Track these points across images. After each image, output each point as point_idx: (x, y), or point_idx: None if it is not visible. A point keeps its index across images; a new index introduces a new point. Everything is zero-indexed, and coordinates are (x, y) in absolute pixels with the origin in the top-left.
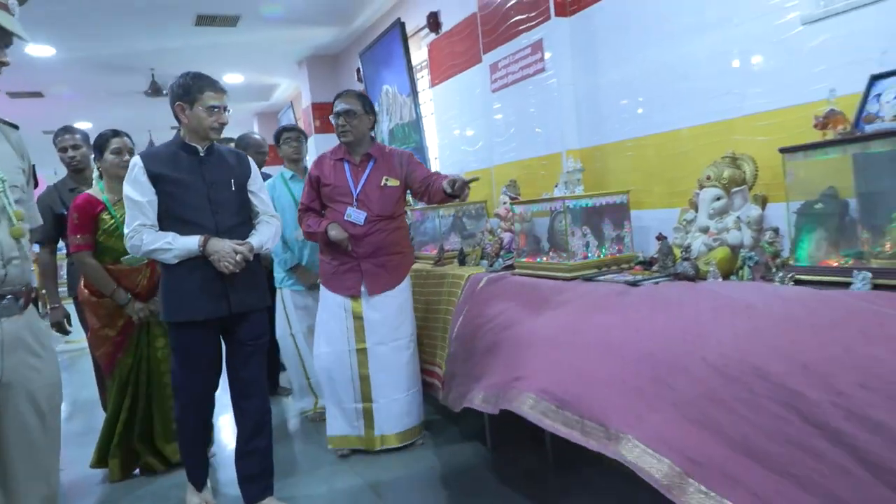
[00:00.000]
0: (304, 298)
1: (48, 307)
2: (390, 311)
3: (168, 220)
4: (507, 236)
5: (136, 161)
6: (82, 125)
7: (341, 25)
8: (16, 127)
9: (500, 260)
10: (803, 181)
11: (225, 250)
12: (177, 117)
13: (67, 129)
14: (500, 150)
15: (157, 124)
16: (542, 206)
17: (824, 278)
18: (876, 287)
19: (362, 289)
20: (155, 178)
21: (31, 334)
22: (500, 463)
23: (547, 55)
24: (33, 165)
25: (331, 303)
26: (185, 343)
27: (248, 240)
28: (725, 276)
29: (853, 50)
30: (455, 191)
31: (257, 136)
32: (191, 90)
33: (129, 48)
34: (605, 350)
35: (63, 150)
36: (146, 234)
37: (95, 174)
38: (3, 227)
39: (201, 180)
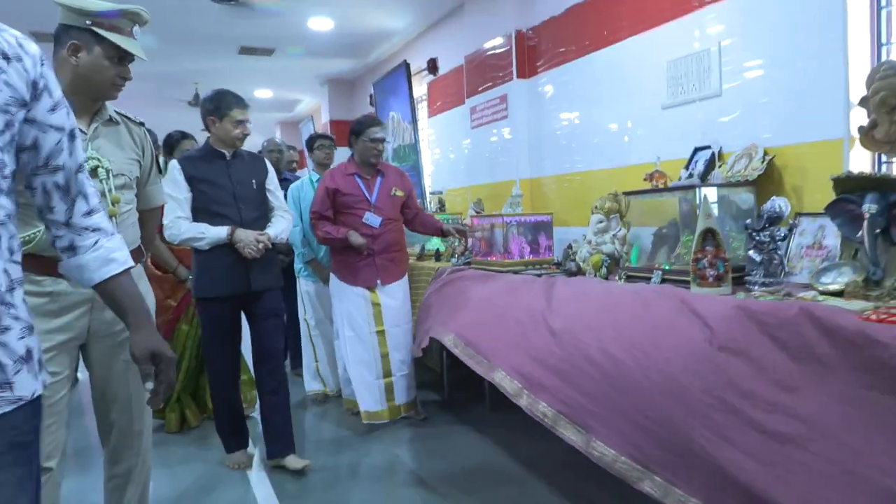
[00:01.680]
0: (317, 289)
1: None
2: (401, 298)
3: (201, 213)
4: (470, 241)
5: (174, 164)
6: None
7: (358, 58)
8: (141, 124)
9: (463, 258)
10: (649, 213)
11: (249, 239)
12: (207, 127)
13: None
14: (474, 174)
15: (193, 128)
16: (495, 219)
17: (640, 275)
18: (664, 281)
19: (377, 280)
20: (190, 179)
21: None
22: (453, 407)
23: (510, 106)
24: (157, 155)
25: (350, 294)
26: (212, 315)
27: (266, 230)
28: (596, 273)
29: (688, 129)
30: (456, 237)
31: (277, 140)
32: (220, 107)
33: (179, 66)
34: (501, 317)
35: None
36: (183, 225)
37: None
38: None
39: (228, 180)
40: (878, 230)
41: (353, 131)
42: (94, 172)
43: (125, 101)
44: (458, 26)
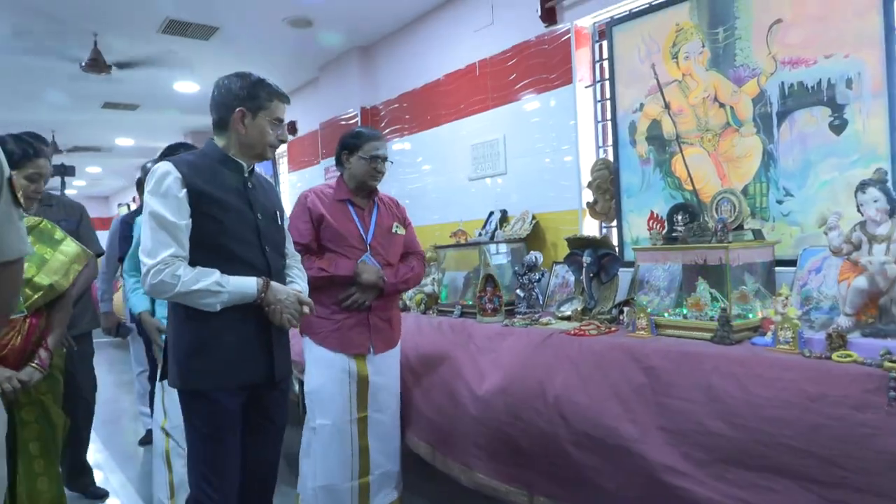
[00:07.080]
0: None
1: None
2: (392, 375)
3: (205, 253)
4: None
5: (167, 169)
6: None
7: None
8: None
9: None
10: (462, 261)
11: (291, 299)
12: (227, 123)
13: None
14: None
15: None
16: None
17: (447, 309)
18: (462, 315)
19: (370, 346)
20: (197, 196)
21: None
22: None
23: None
24: (10, 177)
25: (332, 365)
26: (217, 421)
27: (293, 287)
28: (417, 309)
29: (487, 197)
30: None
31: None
32: (259, 96)
33: (36, 115)
34: None
35: None
36: (183, 270)
37: None
38: None
39: (248, 207)
40: (592, 274)
41: (347, 146)
42: None
43: None
44: (314, 95)
